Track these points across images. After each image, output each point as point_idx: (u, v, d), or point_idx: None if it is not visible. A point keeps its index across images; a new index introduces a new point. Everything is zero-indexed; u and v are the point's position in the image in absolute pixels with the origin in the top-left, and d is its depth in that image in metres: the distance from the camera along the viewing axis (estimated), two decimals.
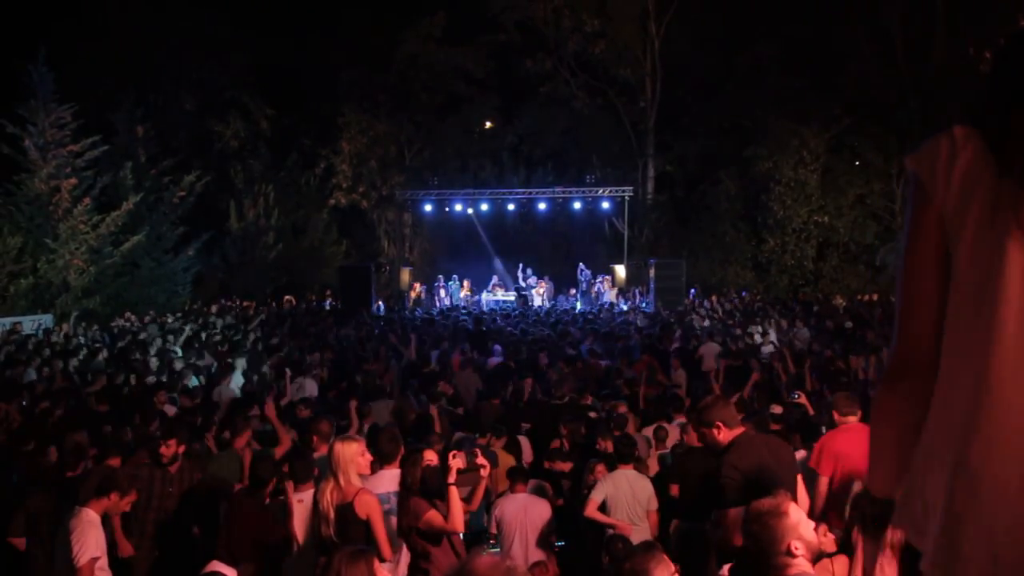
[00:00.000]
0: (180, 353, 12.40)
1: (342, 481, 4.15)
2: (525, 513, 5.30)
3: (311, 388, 9.36)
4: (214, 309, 20.83)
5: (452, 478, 4.14)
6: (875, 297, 22.04)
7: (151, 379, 10.16)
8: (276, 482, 5.07)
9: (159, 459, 5.38)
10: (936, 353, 1.40)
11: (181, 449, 5.45)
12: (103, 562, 4.29)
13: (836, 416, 5.06)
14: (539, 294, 23.47)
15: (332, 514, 4.10)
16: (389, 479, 4.71)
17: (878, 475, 1.58)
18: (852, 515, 1.60)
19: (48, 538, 4.60)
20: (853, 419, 4.96)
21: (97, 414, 7.86)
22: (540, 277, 24.38)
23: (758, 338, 13.41)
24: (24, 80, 20.76)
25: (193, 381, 10.34)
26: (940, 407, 1.38)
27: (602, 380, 9.86)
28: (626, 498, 5.46)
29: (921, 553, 1.37)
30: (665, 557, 3.10)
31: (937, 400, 1.39)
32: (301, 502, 4.63)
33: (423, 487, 4.21)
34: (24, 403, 8.20)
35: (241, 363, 10.84)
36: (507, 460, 6.37)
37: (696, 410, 4.33)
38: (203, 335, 14.85)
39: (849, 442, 4.71)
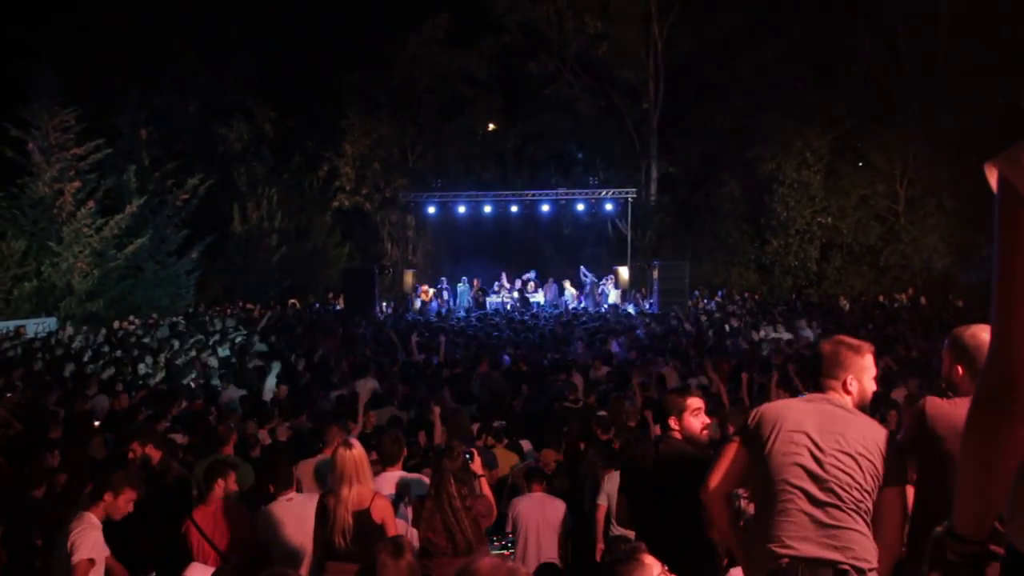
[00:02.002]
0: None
1: (360, 487, 4.05)
2: (541, 512, 5.31)
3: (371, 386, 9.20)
4: (219, 312, 20.81)
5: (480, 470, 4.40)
6: (880, 298, 22.00)
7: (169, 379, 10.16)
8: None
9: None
10: None
11: (149, 449, 5.40)
12: (100, 568, 4.13)
13: None
14: (541, 294, 23.46)
15: (351, 521, 3.99)
16: (391, 481, 4.70)
17: (970, 512, 1.43)
18: (933, 560, 1.42)
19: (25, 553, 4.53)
20: None
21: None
22: (543, 281, 24.33)
23: (761, 339, 13.37)
24: (28, 83, 20.78)
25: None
26: None
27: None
28: None
29: None
30: (648, 558, 3.00)
31: None
32: (290, 500, 4.54)
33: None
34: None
35: (276, 366, 10.82)
36: (511, 459, 6.40)
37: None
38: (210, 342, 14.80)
39: None
